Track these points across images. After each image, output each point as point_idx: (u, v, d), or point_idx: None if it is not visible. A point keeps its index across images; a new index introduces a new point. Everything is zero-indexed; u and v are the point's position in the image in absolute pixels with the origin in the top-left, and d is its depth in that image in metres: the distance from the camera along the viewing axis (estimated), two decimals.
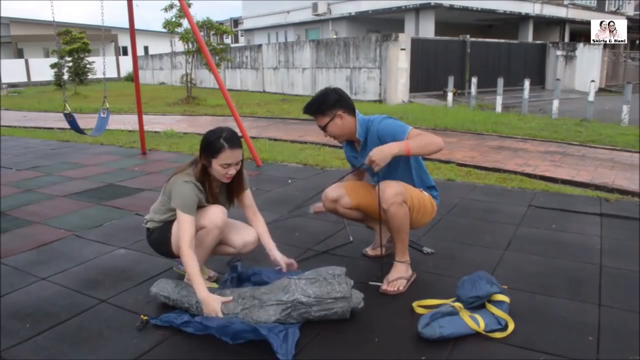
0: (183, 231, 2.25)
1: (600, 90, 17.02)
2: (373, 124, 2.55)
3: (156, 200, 2.57)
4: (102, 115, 5.92)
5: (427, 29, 19.12)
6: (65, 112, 5.67)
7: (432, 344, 2.04)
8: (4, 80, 24.04)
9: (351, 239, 3.23)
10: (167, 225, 2.44)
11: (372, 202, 2.63)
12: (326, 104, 2.53)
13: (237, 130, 5.74)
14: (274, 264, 2.49)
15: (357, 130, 2.58)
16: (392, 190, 2.42)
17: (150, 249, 2.60)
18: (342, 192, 2.74)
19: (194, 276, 2.22)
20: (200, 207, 2.39)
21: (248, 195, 2.60)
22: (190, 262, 2.22)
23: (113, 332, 2.21)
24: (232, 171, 2.34)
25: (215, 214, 2.36)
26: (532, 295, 2.47)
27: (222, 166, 2.30)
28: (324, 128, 2.58)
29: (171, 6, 14.36)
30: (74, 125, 5.74)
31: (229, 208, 2.57)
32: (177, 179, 2.35)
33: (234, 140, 2.32)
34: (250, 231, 2.56)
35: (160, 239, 2.47)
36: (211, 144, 2.30)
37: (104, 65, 6.57)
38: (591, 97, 10.11)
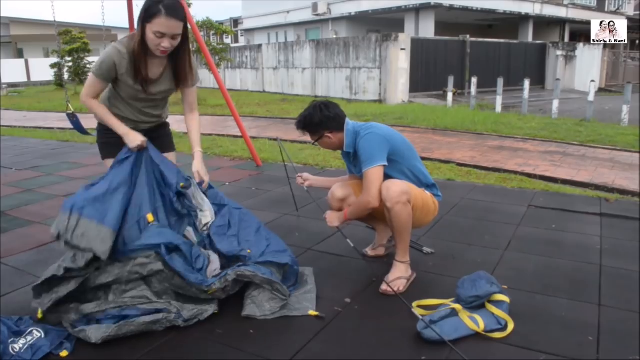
0: (87, 87, 2.24)
1: (600, 90, 17.02)
2: (359, 136, 2.55)
3: None
4: None
5: (427, 29, 19.11)
6: (68, 112, 5.62)
7: (432, 344, 2.04)
8: (4, 80, 23.98)
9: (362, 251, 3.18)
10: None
11: None
12: (312, 124, 2.57)
13: (238, 130, 5.80)
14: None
15: (345, 142, 2.59)
16: (398, 189, 2.42)
17: None
18: (349, 192, 2.74)
19: (107, 117, 2.24)
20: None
21: (192, 92, 2.51)
22: (98, 109, 2.25)
23: None
24: (166, 44, 2.16)
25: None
26: (532, 295, 2.47)
27: (156, 35, 2.13)
28: (313, 143, 2.68)
29: None
30: (77, 126, 5.66)
31: (174, 91, 2.52)
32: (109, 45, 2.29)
33: (173, 9, 2.13)
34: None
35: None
36: (148, 8, 2.13)
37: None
38: (591, 97, 10.11)
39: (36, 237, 3.45)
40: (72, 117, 5.64)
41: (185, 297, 2.29)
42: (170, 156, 2.70)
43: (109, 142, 2.47)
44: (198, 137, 2.52)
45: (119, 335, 2.10)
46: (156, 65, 2.34)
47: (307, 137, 2.64)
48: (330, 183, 2.87)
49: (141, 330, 2.15)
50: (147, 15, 2.14)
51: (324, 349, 2.05)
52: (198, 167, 2.46)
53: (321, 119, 2.53)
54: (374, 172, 2.43)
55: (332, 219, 2.67)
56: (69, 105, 5.70)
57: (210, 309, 2.28)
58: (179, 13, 2.16)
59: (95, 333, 2.07)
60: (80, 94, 2.29)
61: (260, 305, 2.30)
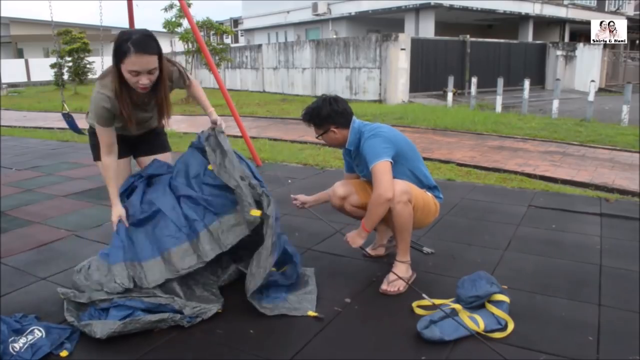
0: (101, 142, 2.32)
1: (600, 90, 17.02)
2: (363, 137, 2.55)
3: None
4: None
5: (427, 29, 19.11)
6: (64, 112, 5.68)
7: (432, 344, 2.04)
8: (4, 80, 23.96)
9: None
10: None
11: None
12: (319, 117, 2.57)
13: (238, 130, 5.79)
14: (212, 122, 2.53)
15: (348, 139, 2.60)
16: (398, 189, 2.42)
17: None
18: (351, 190, 2.74)
19: (108, 181, 2.38)
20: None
21: (190, 87, 2.58)
22: (106, 171, 2.37)
23: None
24: (144, 80, 2.08)
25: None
26: (532, 295, 2.47)
27: (131, 74, 2.06)
28: (317, 136, 2.68)
29: (171, 6, 14.37)
30: (72, 125, 5.74)
31: (158, 124, 2.60)
32: (94, 88, 2.25)
33: (142, 44, 2.02)
34: None
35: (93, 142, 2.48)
36: (118, 47, 2.04)
37: (102, 65, 6.55)
38: (591, 97, 10.11)
39: (36, 237, 3.45)
40: (68, 117, 5.71)
41: (189, 294, 2.32)
42: (165, 157, 2.69)
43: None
44: (207, 101, 2.61)
45: (124, 332, 2.11)
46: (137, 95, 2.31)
47: (308, 137, 2.65)
48: (326, 195, 2.84)
49: (146, 328, 2.16)
50: (118, 56, 2.06)
51: (324, 349, 2.05)
52: (217, 117, 2.52)
53: (329, 112, 2.54)
54: (382, 166, 2.41)
55: (354, 239, 2.52)
56: (65, 105, 5.76)
57: (214, 308, 2.29)
58: (150, 46, 2.06)
59: (101, 328, 2.08)
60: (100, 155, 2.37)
61: (252, 274, 2.30)
